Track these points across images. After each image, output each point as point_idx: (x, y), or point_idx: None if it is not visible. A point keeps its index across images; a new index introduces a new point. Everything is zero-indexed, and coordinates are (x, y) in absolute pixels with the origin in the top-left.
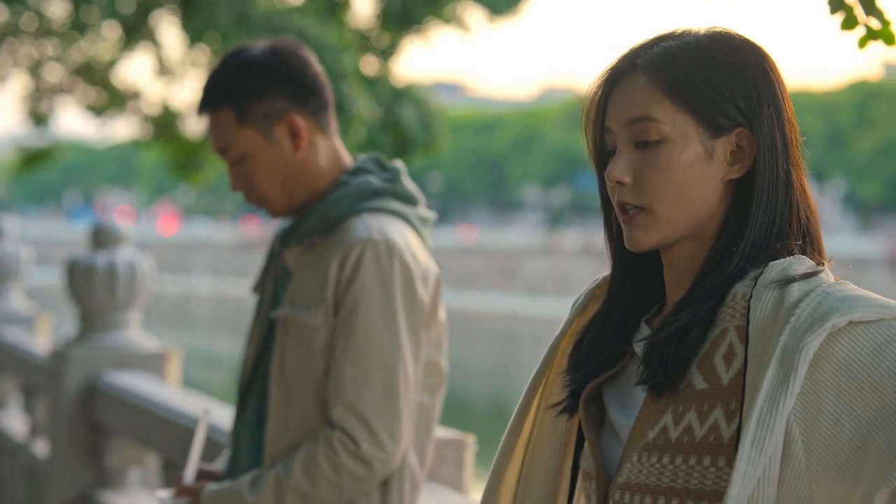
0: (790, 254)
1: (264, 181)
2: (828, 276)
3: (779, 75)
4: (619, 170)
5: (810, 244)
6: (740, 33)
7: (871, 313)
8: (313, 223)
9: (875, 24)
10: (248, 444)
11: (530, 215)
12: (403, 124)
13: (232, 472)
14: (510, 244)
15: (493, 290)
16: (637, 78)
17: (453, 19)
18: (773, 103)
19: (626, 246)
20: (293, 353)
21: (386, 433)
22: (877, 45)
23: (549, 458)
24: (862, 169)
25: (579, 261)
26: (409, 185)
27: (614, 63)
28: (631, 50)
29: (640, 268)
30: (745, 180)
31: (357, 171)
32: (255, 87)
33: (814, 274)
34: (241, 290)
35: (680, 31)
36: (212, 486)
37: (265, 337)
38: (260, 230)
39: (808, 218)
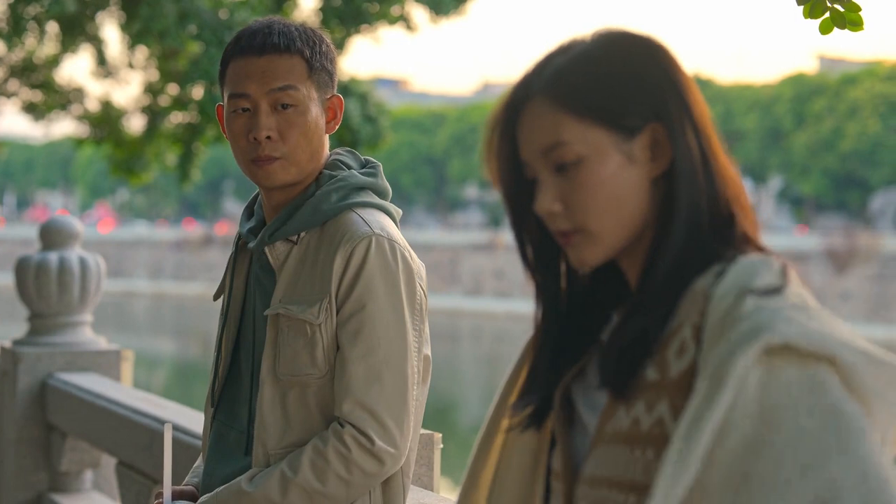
0: (727, 231)
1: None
2: (795, 291)
3: (673, 61)
4: (547, 200)
5: (741, 220)
6: (626, 29)
7: (810, 343)
8: (303, 219)
9: (840, 8)
10: (236, 447)
11: (473, 215)
12: (349, 119)
13: (214, 476)
14: (454, 243)
15: (434, 291)
16: (537, 105)
17: (398, 20)
18: (675, 90)
19: (574, 266)
20: (290, 352)
21: (397, 429)
22: (841, 32)
23: (523, 460)
24: (799, 164)
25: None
26: (384, 180)
27: (511, 94)
28: (525, 76)
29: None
30: (670, 172)
31: (336, 164)
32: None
33: (777, 289)
34: (180, 290)
35: (567, 43)
36: (205, 496)
37: (237, 338)
38: (201, 231)
39: (735, 191)
